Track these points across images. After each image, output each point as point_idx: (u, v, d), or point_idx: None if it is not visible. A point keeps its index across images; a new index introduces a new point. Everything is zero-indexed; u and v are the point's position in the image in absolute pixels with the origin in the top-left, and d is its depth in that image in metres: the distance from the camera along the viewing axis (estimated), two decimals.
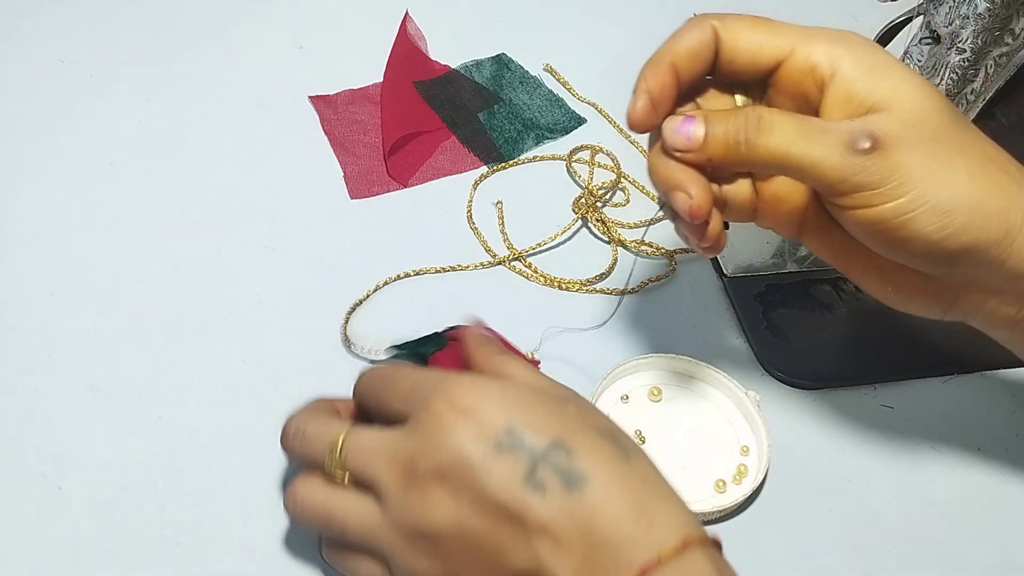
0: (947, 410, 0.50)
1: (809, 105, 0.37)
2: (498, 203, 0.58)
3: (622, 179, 0.61)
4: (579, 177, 0.61)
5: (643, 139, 0.64)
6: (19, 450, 0.44)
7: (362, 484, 0.36)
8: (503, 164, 0.61)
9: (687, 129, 0.36)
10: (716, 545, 0.34)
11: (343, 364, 0.49)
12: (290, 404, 0.47)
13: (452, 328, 0.44)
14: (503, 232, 0.57)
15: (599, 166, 0.62)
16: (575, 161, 0.62)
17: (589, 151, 0.62)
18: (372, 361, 0.48)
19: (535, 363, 0.43)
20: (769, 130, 0.35)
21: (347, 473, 0.36)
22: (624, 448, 0.34)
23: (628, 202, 0.60)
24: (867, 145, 0.34)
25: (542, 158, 0.62)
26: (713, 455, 0.47)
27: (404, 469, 0.34)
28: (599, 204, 0.58)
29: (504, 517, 0.33)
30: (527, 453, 0.33)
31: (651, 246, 0.57)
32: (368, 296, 0.52)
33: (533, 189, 0.60)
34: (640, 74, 0.37)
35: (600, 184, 0.60)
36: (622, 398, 0.48)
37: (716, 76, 0.38)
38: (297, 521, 0.39)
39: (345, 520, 0.36)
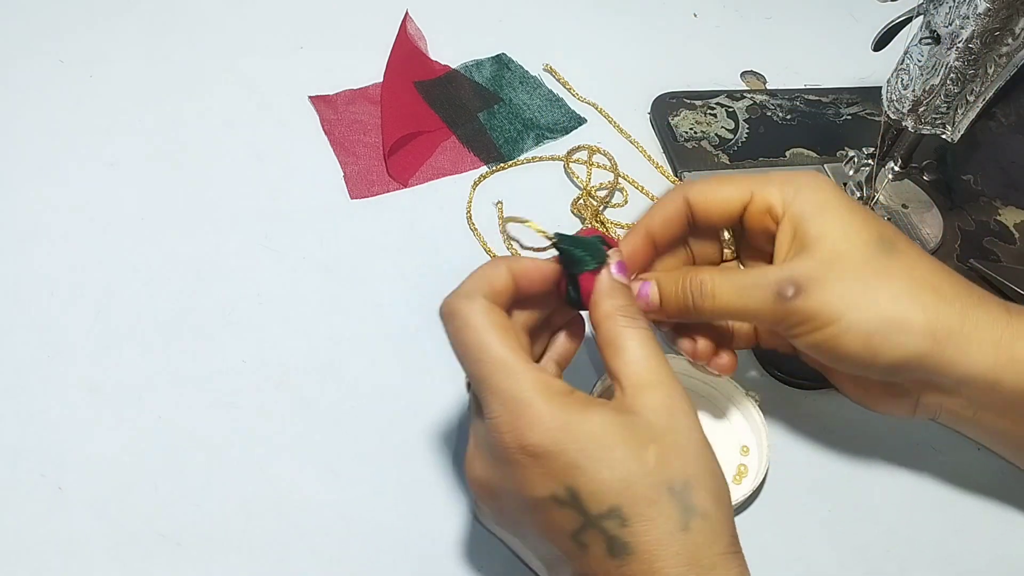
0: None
1: (770, 235, 0.42)
2: (498, 203, 0.58)
3: (620, 179, 0.61)
4: (577, 178, 0.61)
5: (642, 139, 0.65)
6: (19, 450, 0.44)
7: None
8: (502, 164, 0.61)
9: (644, 294, 0.42)
10: None
11: (343, 364, 0.50)
12: (290, 404, 0.48)
13: (600, 240, 0.40)
14: (503, 232, 0.57)
15: (596, 166, 0.62)
16: (573, 161, 0.62)
17: (587, 151, 0.62)
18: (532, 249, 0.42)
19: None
20: (712, 294, 0.41)
21: None
22: (688, 511, 0.33)
23: (627, 202, 0.60)
24: (792, 292, 0.39)
25: (540, 158, 0.62)
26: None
27: (469, 456, 0.37)
28: (597, 205, 0.58)
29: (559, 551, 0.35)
30: (580, 514, 0.34)
31: None
32: None
33: (532, 190, 0.60)
34: (622, 238, 0.43)
35: (599, 184, 0.60)
36: None
37: (699, 227, 0.44)
38: None
39: None
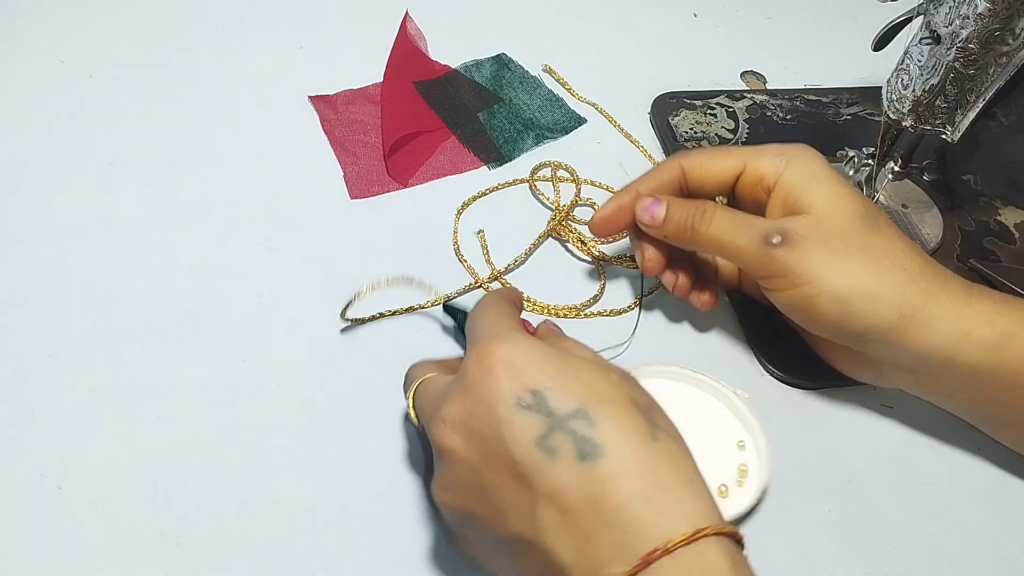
0: (947, 410, 0.50)
1: (760, 206, 0.46)
2: (480, 232, 0.57)
3: (582, 193, 0.59)
4: (545, 197, 0.59)
5: (642, 139, 0.65)
6: (19, 450, 0.44)
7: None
8: (483, 191, 0.59)
9: (653, 210, 0.47)
10: (735, 538, 0.33)
11: (343, 364, 0.50)
12: (290, 404, 0.48)
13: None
14: (489, 263, 0.55)
15: (563, 181, 0.60)
16: (537, 180, 0.60)
17: (550, 168, 0.60)
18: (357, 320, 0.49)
19: None
20: (709, 221, 0.45)
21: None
22: (654, 425, 0.34)
23: None
24: (778, 240, 0.43)
25: (504, 184, 0.60)
26: (711, 459, 0.46)
27: (435, 413, 0.37)
28: (573, 224, 0.57)
29: (513, 474, 0.33)
30: (546, 416, 0.33)
31: (634, 260, 0.53)
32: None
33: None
34: (611, 196, 0.49)
35: (572, 201, 0.58)
36: None
37: (693, 195, 0.48)
38: None
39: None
